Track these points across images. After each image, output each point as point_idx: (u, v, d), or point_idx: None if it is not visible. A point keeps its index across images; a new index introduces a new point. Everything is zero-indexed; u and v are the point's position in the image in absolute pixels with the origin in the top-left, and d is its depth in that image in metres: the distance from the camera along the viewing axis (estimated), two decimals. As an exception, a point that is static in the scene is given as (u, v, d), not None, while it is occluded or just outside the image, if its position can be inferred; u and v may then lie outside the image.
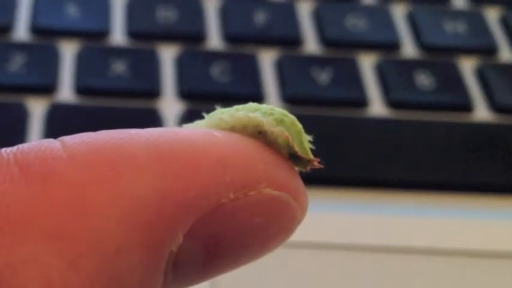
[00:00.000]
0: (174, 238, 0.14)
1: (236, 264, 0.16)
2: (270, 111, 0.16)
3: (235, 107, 0.16)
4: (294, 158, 0.16)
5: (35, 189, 0.14)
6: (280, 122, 0.16)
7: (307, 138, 0.16)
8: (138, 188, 0.14)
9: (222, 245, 0.15)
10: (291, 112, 0.16)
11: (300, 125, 0.16)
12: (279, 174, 0.15)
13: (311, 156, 0.16)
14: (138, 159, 0.14)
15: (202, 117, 0.16)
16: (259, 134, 0.16)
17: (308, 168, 0.16)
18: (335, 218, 0.32)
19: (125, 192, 0.14)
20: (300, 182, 0.16)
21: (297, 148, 0.16)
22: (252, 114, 0.16)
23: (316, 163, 0.16)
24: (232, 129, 0.16)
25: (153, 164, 0.14)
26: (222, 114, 0.16)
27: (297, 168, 0.16)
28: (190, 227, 0.15)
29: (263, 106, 0.16)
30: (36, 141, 0.15)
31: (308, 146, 0.16)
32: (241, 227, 0.15)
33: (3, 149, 0.14)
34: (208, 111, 0.16)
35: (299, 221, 0.16)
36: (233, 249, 0.16)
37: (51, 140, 0.15)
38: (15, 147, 0.14)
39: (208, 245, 0.15)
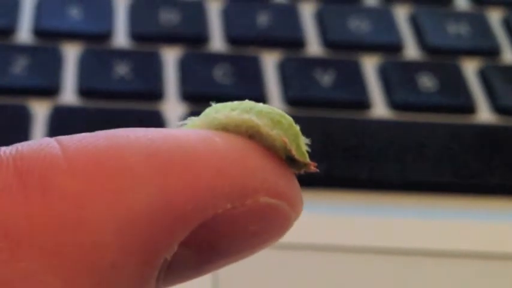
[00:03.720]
0: (169, 249, 0.14)
1: (225, 265, 0.16)
2: (266, 111, 0.15)
3: (230, 104, 0.16)
4: (290, 160, 0.16)
5: (34, 202, 0.14)
6: (278, 123, 0.15)
7: (304, 141, 0.16)
8: (137, 201, 0.14)
9: (214, 250, 0.15)
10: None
11: (297, 128, 0.16)
12: (277, 182, 0.15)
13: (308, 160, 0.16)
14: (138, 170, 0.14)
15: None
16: (254, 134, 0.15)
17: (303, 171, 0.16)
18: (338, 219, 0.32)
19: (123, 206, 0.14)
20: (297, 188, 0.16)
21: (294, 152, 0.15)
22: (246, 116, 0.15)
23: (312, 167, 0.16)
24: (225, 128, 0.15)
25: (152, 176, 0.14)
26: (216, 113, 0.16)
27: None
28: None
29: (259, 105, 0.16)
30: (35, 142, 0.14)
31: (305, 149, 0.16)
32: (235, 235, 0.15)
33: (1, 150, 0.14)
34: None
35: (291, 226, 0.16)
36: (224, 253, 0.16)
37: (51, 142, 0.14)
38: (14, 149, 0.14)
39: (201, 251, 0.15)
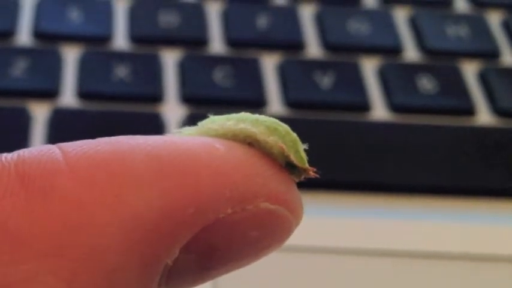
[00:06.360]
0: (170, 253, 0.14)
1: (227, 271, 0.16)
2: (262, 120, 0.16)
3: (226, 115, 0.16)
4: (290, 166, 0.16)
5: (35, 206, 0.14)
6: (274, 130, 0.15)
7: (302, 146, 0.16)
8: (138, 206, 0.14)
9: (216, 256, 0.15)
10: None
11: (294, 134, 0.16)
12: (278, 188, 0.15)
13: (307, 165, 0.16)
14: (139, 175, 0.14)
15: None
16: (252, 143, 0.15)
17: (303, 177, 0.16)
18: (338, 222, 0.32)
19: (125, 210, 0.14)
20: (297, 194, 0.16)
21: (292, 157, 0.15)
22: (242, 125, 0.15)
23: (311, 172, 0.16)
24: (224, 138, 0.15)
25: (154, 181, 0.14)
26: (212, 123, 0.16)
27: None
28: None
29: (254, 115, 0.16)
30: (36, 149, 0.14)
31: (304, 155, 0.16)
32: (236, 240, 0.15)
33: (3, 156, 0.14)
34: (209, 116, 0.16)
35: (293, 232, 0.16)
36: (226, 259, 0.16)
37: (52, 148, 0.15)
38: (15, 155, 0.14)
39: (203, 256, 0.15)
